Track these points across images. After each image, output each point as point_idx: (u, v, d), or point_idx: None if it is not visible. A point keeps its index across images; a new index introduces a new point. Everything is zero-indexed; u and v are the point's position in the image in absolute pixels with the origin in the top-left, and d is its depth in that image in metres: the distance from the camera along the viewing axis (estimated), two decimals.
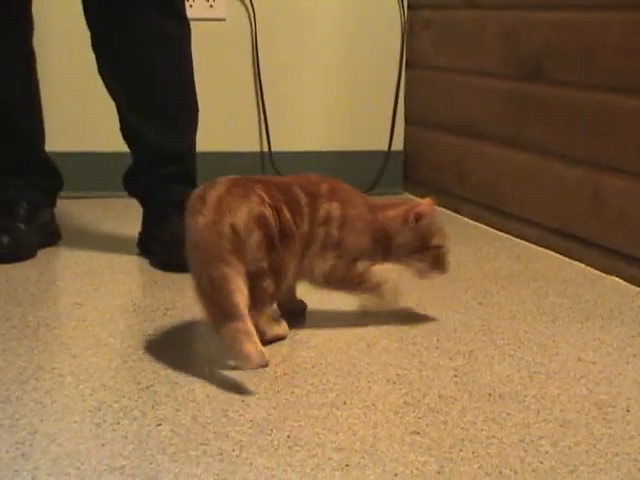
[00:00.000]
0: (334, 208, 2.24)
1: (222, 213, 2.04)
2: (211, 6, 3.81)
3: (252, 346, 1.91)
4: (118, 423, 1.76)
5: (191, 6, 3.72)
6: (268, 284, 2.09)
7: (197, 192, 2.13)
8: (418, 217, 2.24)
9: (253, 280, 2.05)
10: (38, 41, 3.00)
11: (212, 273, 2.00)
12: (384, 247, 2.28)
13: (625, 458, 1.65)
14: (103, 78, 2.88)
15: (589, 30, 2.83)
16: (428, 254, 2.27)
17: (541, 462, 1.63)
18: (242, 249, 2.03)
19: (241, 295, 1.99)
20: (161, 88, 2.87)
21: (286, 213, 2.14)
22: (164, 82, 2.87)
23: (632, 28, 2.66)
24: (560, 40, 2.97)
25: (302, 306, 2.41)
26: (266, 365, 1.93)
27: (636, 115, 2.65)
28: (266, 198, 2.10)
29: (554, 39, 3.00)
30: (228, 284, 1.99)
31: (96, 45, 2.85)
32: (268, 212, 2.09)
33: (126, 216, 3.10)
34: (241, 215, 2.05)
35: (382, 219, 2.27)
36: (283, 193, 2.17)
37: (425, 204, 2.26)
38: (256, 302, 2.05)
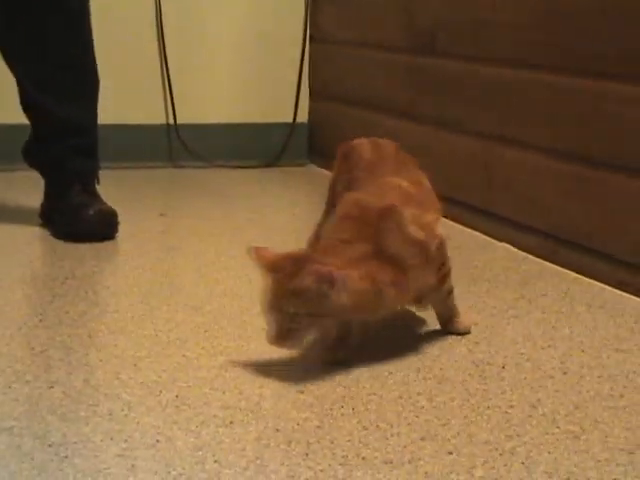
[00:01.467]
0: None
1: None
2: None
3: None
4: (10, 387, 1.79)
5: None
6: None
7: None
8: None
9: None
10: None
11: None
12: None
13: (496, 411, 1.71)
14: (2, 53, 2.88)
15: (479, 6, 2.89)
16: None
17: (416, 416, 1.69)
18: None
19: None
20: (59, 59, 2.85)
21: None
22: (62, 53, 2.85)
23: (517, 4, 2.72)
24: (452, 15, 3.02)
25: None
26: None
27: (524, 87, 2.71)
28: None
29: (446, 14, 3.05)
30: None
31: None
32: None
33: (28, 188, 3.10)
34: None
35: None
36: None
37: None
38: None
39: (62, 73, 2.88)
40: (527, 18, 2.69)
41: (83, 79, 2.93)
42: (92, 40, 2.90)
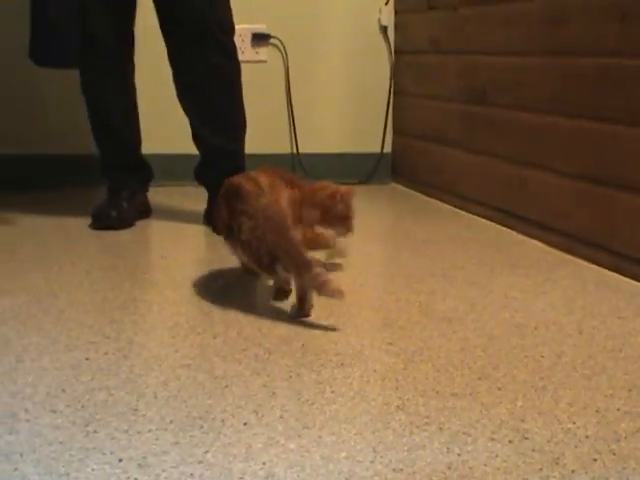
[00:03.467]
0: None
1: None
2: (257, 52, 3.83)
3: (334, 283, 1.85)
4: (187, 336, 1.83)
5: (243, 52, 3.73)
6: None
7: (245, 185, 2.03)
8: None
9: None
10: (139, 80, 3.04)
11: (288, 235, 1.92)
12: None
13: (531, 359, 1.70)
14: (181, 102, 2.91)
15: (516, 69, 2.86)
16: None
17: (474, 362, 1.68)
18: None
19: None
20: (220, 109, 2.89)
21: None
22: (223, 105, 2.89)
23: (542, 69, 2.69)
24: (498, 76, 3.00)
25: None
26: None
27: (549, 127, 2.68)
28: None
29: (494, 75, 3.02)
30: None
31: (176, 80, 2.89)
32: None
33: (196, 198, 3.14)
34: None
35: None
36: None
37: None
38: None
39: (221, 118, 2.92)
40: (549, 79, 2.66)
41: (235, 122, 2.96)
42: (241, 94, 2.93)
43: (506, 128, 2.94)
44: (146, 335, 1.84)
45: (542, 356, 1.72)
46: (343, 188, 2.27)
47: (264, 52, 3.85)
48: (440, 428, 1.39)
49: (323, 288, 1.84)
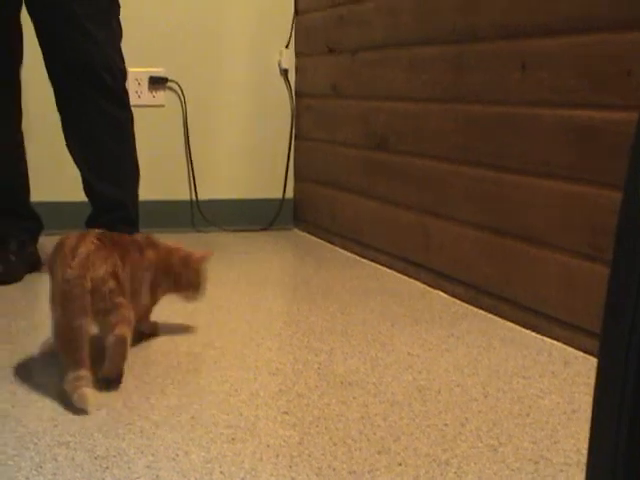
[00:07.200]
0: None
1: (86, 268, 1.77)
2: (154, 96, 3.72)
3: (88, 390, 1.68)
4: (68, 408, 1.69)
5: (140, 97, 3.64)
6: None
7: (68, 243, 1.83)
8: None
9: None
10: (28, 127, 2.90)
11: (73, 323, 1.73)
12: None
13: (434, 428, 1.61)
14: (69, 152, 2.79)
15: (416, 116, 2.81)
16: None
17: (374, 433, 1.58)
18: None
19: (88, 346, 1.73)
20: (110, 158, 2.77)
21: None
22: (113, 154, 2.77)
23: (444, 116, 2.64)
24: (398, 122, 2.94)
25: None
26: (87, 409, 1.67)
27: (450, 176, 2.63)
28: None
29: (394, 121, 2.97)
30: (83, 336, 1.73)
31: (64, 128, 2.76)
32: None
33: None
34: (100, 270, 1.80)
35: None
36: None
37: None
38: None
39: (111, 168, 2.79)
40: (451, 126, 2.61)
41: (127, 170, 2.84)
42: (134, 142, 2.81)
43: (407, 175, 2.88)
44: (24, 408, 1.69)
45: (446, 424, 1.63)
46: (197, 254, 2.14)
47: (162, 96, 3.74)
48: None
49: (73, 393, 1.68)
